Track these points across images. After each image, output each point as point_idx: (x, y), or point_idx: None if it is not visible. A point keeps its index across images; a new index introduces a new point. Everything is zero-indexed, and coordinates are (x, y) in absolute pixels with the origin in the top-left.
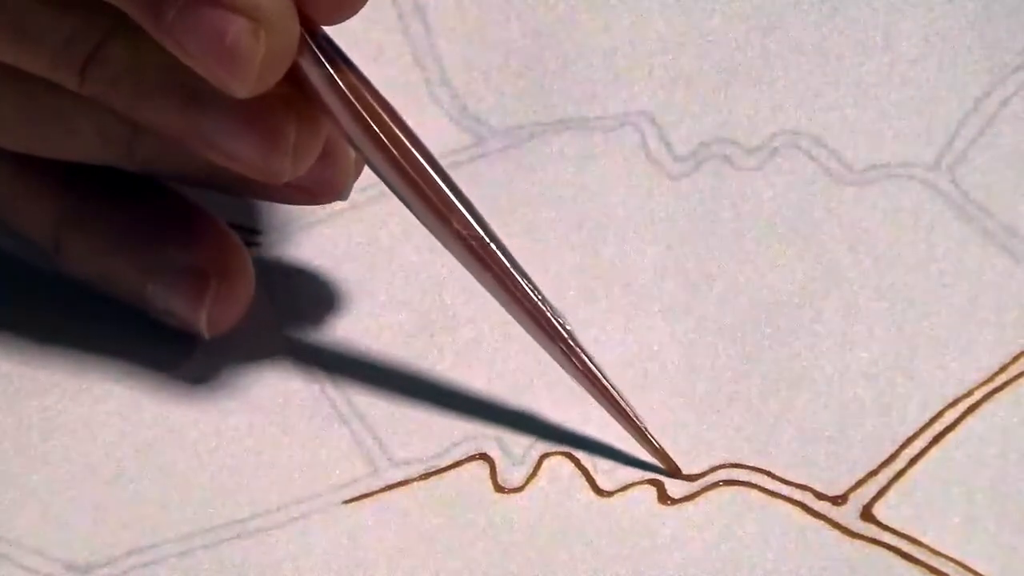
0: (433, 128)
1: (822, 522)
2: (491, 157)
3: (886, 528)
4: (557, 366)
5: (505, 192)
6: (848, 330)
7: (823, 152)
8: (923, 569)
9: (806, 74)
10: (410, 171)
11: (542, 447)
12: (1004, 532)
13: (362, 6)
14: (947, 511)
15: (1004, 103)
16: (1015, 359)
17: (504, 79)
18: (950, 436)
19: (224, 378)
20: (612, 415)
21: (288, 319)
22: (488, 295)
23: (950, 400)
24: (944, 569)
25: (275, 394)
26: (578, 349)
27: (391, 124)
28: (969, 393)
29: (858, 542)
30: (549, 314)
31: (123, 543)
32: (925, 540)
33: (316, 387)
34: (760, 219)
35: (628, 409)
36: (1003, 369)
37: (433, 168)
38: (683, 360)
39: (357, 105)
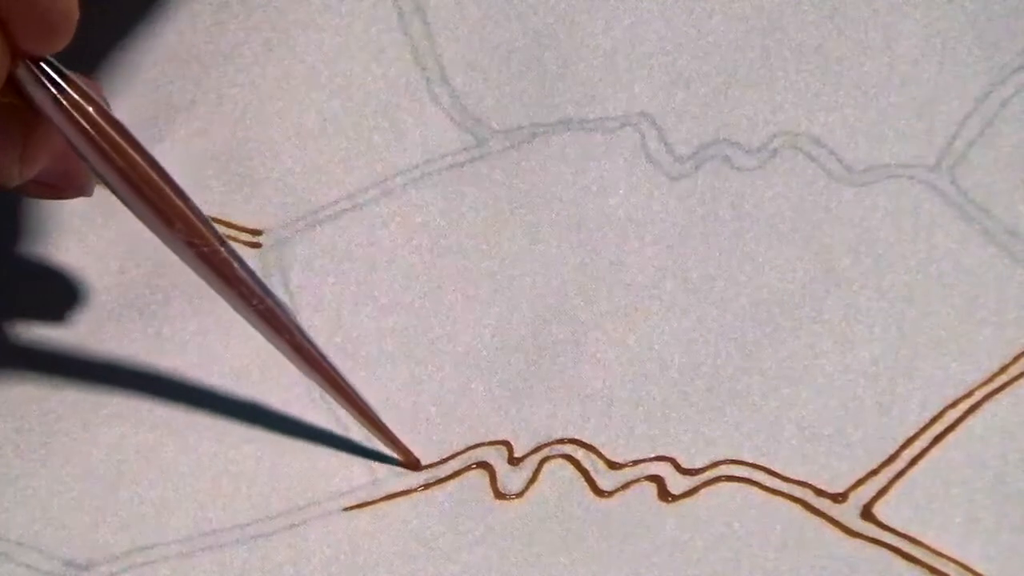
0: (433, 128)
1: (822, 520)
2: (491, 158)
3: (886, 527)
4: (558, 367)
5: (505, 192)
6: (848, 330)
7: (823, 153)
8: (923, 569)
9: (806, 74)
10: (135, 180)
11: (542, 451)
12: (1004, 532)
13: (67, 40)
14: (947, 511)
15: (1004, 103)
16: (1015, 359)
17: (504, 79)
18: (950, 436)
19: (225, 383)
20: (348, 410)
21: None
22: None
23: (950, 400)
24: (944, 569)
25: (275, 400)
26: (310, 348)
27: (115, 136)
28: (969, 393)
29: (858, 541)
30: (281, 316)
31: (123, 542)
32: (925, 540)
33: (317, 392)
34: (760, 219)
35: (362, 403)
36: (1003, 369)
37: (160, 177)
38: (683, 359)
39: (79, 119)
